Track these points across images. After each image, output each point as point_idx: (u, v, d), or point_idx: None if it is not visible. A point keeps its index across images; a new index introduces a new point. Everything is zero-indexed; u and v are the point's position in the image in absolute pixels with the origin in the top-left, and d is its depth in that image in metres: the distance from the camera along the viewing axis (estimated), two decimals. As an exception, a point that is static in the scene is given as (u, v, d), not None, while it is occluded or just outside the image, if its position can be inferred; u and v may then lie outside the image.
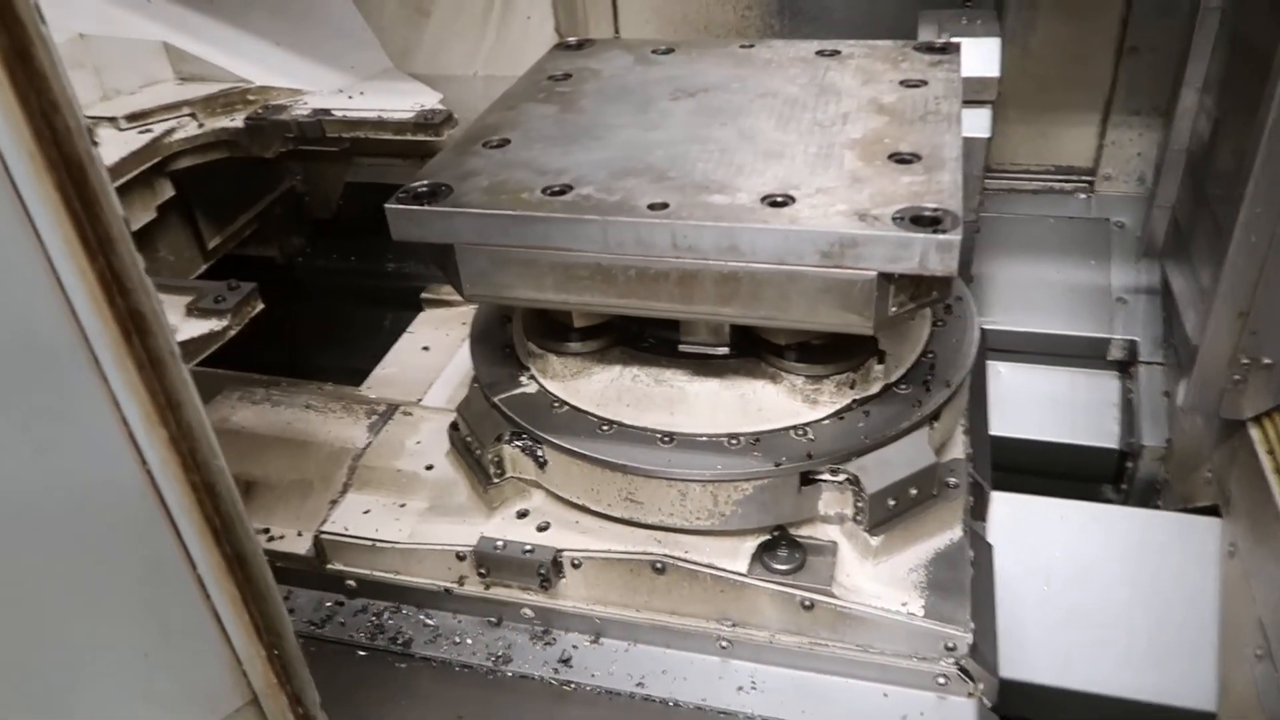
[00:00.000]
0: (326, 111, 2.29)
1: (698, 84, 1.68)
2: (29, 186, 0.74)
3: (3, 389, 0.79)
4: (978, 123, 1.83)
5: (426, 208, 1.36)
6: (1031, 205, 2.62)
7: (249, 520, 1.03)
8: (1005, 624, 1.65)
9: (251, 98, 2.36)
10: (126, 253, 0.81)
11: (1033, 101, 2.54)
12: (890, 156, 1.39)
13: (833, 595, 1.42)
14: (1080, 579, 1.74)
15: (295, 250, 2.82)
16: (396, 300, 2.61)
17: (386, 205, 1.38)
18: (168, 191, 2.28)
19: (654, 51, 1.84)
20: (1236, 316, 1.66)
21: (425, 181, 1.41)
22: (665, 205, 1.31)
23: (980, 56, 1.83)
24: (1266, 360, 1.65)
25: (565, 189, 1.37)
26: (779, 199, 1.30)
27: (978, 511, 1.74)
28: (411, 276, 2.65)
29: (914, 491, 1.45)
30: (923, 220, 1.23)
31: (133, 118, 2.22)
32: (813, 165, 1.39)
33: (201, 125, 2.28)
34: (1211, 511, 1.86)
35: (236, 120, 2.30)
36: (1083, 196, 2.64)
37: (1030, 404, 2.34)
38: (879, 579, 1.45)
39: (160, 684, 1.01)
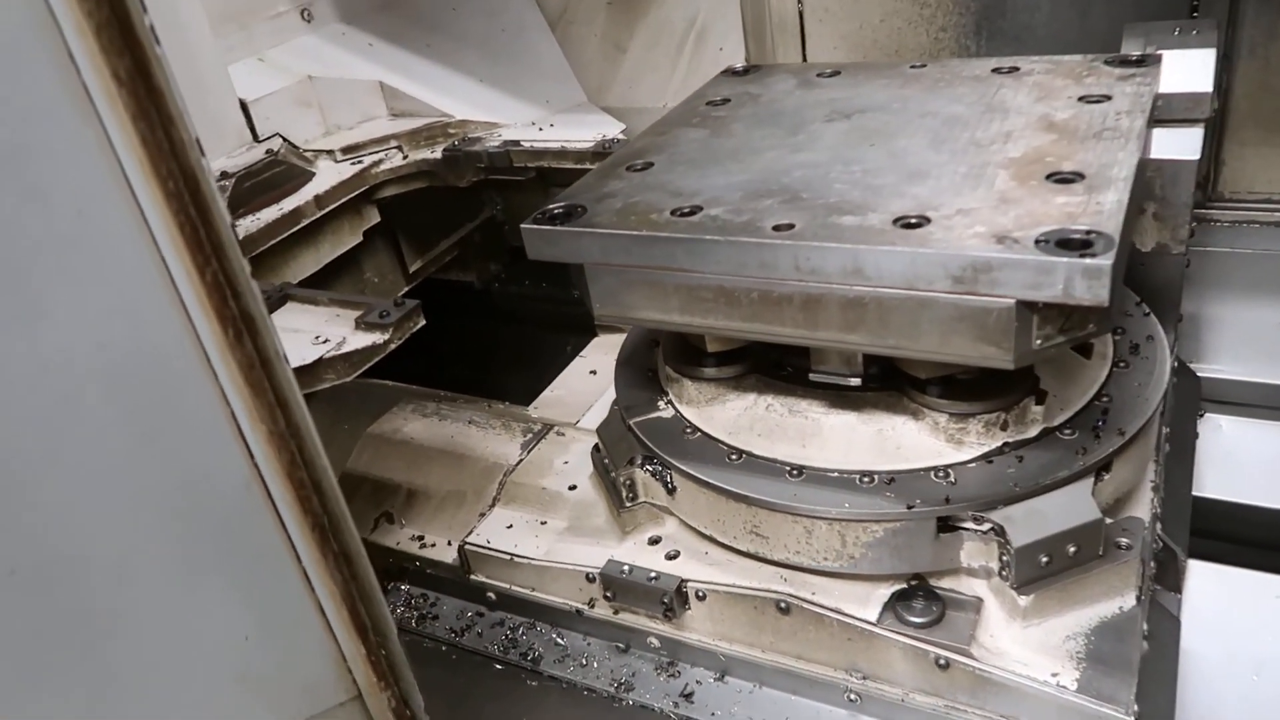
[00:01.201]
0: (515, 143, 2.41)
1: (856, 105, 1.61)
2: (145, 195, 0.80)
3: (115, 387, 0.85)
4: (1187, 143, 1.62)
5: (558, 228, 1.39)
6: (1273, 240, 2.29)
7: (353, 521, 1.07)
8: (1194, 716, 1.44)
9: (452, 131, 2.54)
10: (235, 259, 0.86)
11: (1275, 121, 2.23)
12: (1049, 176, 1.26)
13: (971, 656, 1.29)
14: (1298, 672, 1.48)
15: (492, 276, 2.97)
16: (583, 326, 2.68)
17: (522, 225, 1.42)
18: (374, 217, 2.48)
19: (819, 75, 1.78)
20: None
21: (563, 203, 1.44)
22: (791, 226, 1.26)
23: (1192, 70, 1.63)
24: None
25: (695, 210, 1.35)
26: (913, 220, 1.21)
27: (1169, 581, 1.53)
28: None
29: (1073, 549, 1.29)
30: (1071, 244, 1.10)
31: (347, 150, 2.45)
32: (959, 186, 1.28)
33: (406, 156, 2.46)
34: None
35: (436, 152, 2.47)
36: None
37: (1266, 466, 2.03)
38: (1028, 644, 1.30)
39: (259, 667, 1.06)
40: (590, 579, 1.58)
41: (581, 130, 2.38)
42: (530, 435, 1.92)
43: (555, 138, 2.37)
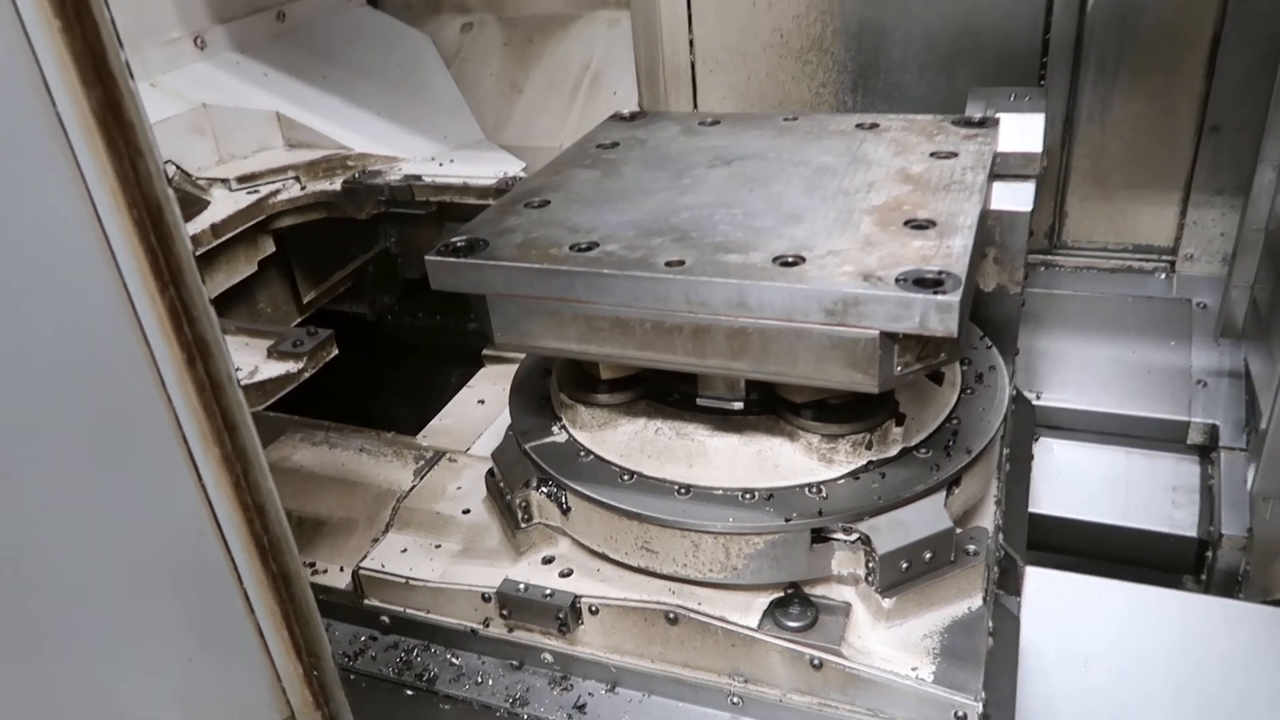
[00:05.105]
0: (417, 177, 2.47)
1: (736, 153, 1.75)
2: (111, 222, 0.82)
3: (72, 404, 0.86)
4: (1021, 196, 1.83)
5: (462, 260, 1.46)
6: (1109, 284, 2.58)
7: (294, 543, 1.09)
8: (1032, 704, 1.61)
9: (351, 163, 2.57)
10: (194, 284, 0.89)
11: (1111, 179, 2.52)
12: (906, 222, 1.42)
13: (842, 655, 1.41)
14: (1119, 664, 1.67)
15: (385, 308, 2.99)
16: (470, 357, 2.73)
17: (426, 257, 1.49)
18: (269, 248, 2.48)
19: (700, 123, 1.93)
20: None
21: (465, 236, 1.51)
22: (682, 263, 1.38)
23: (1025, 132, 1.85)
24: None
25: (591, 246, 1.45)
26: (790, 259, 1.35)
27: (1009, 586, 1.70)
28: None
29: (929, 556, 1.44)
30: (925, 282, 1.26)
31: (243, 179, 2.45)
32: (830, 229, 1.43)
33: (304, 187, 2.48)
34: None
35: (335, 183, 2.50)
36: (1162, 276, 2.58)
37: (1104, 487, 2.27)
38: (891, 642, 1.44)
39: (201, 689, 1.06)
40: (486, 599, 1.64)
41: (482, 166, 2.46)
42: (422, 462, 1.97)
43: (457, 173, 2.44)
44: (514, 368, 2.45)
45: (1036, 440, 2.25)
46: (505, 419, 2.19)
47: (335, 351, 1.56)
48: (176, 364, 0.87)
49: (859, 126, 1.83)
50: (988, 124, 1.78)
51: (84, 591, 0.91)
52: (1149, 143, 2.46)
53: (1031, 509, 2.10)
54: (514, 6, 2.95)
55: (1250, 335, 2.31)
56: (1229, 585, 2.13)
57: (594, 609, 1.56)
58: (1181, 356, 2.40)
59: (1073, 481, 2.23)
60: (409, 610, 1.72)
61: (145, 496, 0.92)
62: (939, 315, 1.23)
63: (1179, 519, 2.20)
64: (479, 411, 2.28)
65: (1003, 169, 1.84)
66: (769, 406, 1.56)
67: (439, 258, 1.47)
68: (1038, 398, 2.33)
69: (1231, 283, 2.34)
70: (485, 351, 2.53)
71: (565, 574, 1.62)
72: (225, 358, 0.89)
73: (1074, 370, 2.41)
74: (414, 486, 1.89)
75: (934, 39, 2.41)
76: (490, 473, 1.78)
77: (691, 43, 2.59)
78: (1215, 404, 2.30)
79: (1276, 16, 2.14)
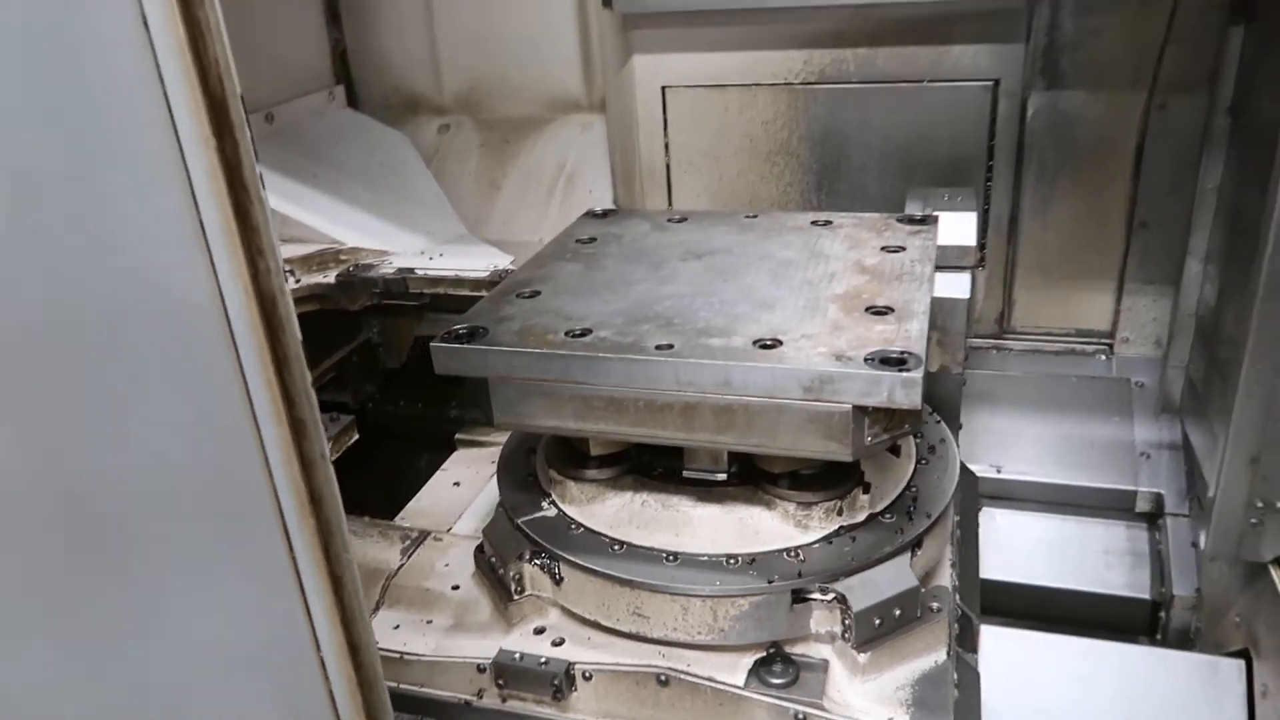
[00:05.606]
0: (410, 270, 2.58)
1: (705, 247, 1.92)
2: (238, 313, 0.92)
3: (188, 480, 0.92)
4: (958, 285, 2.03)
5: (466, 346, 1.58)
6: (1054, 365, 2.80)
7: (367, 613, 1.14)
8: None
9: (343, 257, 2.69)
10: (298, 370, 0.98)
11: (1053, 270, 2.77)
12: (867, 309, 1.59)
13: (823, 709, 1.52)
14: (1071, 715, 1.80)
15: (367, 396, 3.07)
16: (442, 442, 2.80)
17: (431, 344, 1.60)
18: (263, 339, 2.55)
19: (669, 220, 2.10)
20: (1249, 463, 1.78)
21: (465, 325, 1.64)
22: (670, 346, 1.52)
23: (960, 228, 2.06)
24: None
25: (585, 332, 1.59)
26: (768, 342, 1.50)
27: (967, 643, 1.83)
28: (466, 421, 2.83)
29: (898, 612, 1.56)
30: (890, 361, 1.42)
31: (240, 273, 2.53)
32: (800, 315, 1.59)
33: (298, 280, 2.57)
34: (1243, 655, 1.92)
35: (329, 277, 2.60)
36: (1102, 358, 2.81)
37: (1060, 555, 2.41)
38: (867, 695, 1.55)
39: None
40: (481, 670, 1.70)
41: (472, 260, 2.58)
42: (408, 541, 2.04)
43: (448, 266, 2.56)
44: (486, 451, 2.57)
45: (980, 509, 2.41)
46: (484, 499, 2.31)
47: (356, 436, 1.64)
48: (283, 443, 0.95)
49: (814, 223, 2.02)
50: (929, 221, 1.98)
51: (187, 664, 0.96)
52: (1086, 238, 2.72)
53: (984, 575, 2.24)
54: (489, 110, 3.14)
55: (1187, 411, 2.53)
56: (1183, 643, 2.27)
57: (588, 675, 1.64)
58: (1125, 431, 2.60)
59: (1024, 549, 2.38)
60: (403, 685, 1.77)
61: (247, 570, 0.98)
62: (904, 390, 1.39)
63: (1130, 582, 2.35)
64: (455, 493, 2.36)
65: (941, 261, 2.03)
66: (748, 478, 1.69)
67: (444, 344, 1.59)
68: (998, 471, 2.50)
69: (1168, 363, 2.58)
70: (458, 435, 2.62)
71: (558, 643, 1.70)
72: (320, 438, 0.98)
73: (1026, 446, 2.60)
74: (402, 565, 1.96)
75: (891, 144, 2.66)
76: (480, 548, 1.86)
77: (667, 146, 2.80)
78: (1159, 474, 2.49)
79: (1192, 127, 2.43)
